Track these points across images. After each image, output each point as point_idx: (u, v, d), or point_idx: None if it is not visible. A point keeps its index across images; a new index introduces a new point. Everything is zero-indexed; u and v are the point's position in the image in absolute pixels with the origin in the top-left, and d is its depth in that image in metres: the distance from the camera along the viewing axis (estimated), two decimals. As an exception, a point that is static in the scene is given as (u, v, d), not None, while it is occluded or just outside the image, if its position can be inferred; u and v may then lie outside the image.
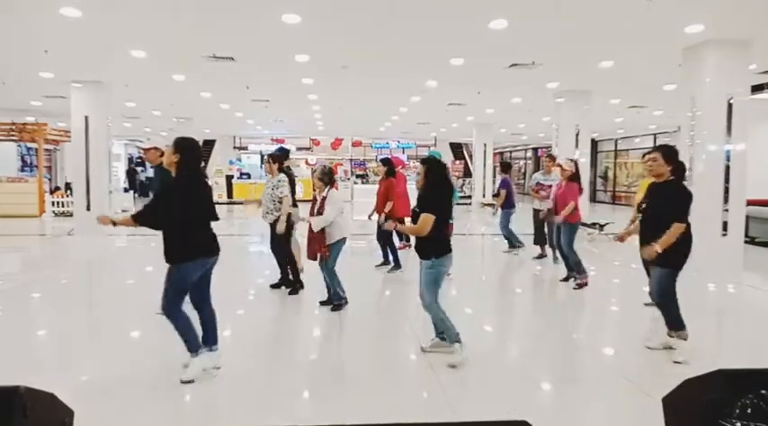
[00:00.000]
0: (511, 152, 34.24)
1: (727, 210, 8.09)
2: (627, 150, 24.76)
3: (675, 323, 4.32)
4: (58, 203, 15.99)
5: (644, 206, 4.40)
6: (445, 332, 4.28)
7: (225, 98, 15.31)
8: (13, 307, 6.03)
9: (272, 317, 5.81)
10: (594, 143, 25.31)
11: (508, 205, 9.53)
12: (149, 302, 5.46)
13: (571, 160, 7.37)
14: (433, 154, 7.20)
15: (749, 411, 1.10)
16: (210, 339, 4.01)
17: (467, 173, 27.18)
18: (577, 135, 12.92)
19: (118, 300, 6.32)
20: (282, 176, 6.28)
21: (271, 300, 6.28)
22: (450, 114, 17.95)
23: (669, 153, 4.23)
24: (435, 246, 4.16)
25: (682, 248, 4.18)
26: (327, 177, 5.70)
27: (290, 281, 6.52)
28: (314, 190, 5.84)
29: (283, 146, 9.56)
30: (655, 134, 22.24)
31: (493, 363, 4.40)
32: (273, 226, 6.29)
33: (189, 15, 7.26)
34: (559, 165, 7.27)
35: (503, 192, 9.52)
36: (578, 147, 12.91)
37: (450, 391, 3.72)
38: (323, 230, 5.51)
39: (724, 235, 8.12)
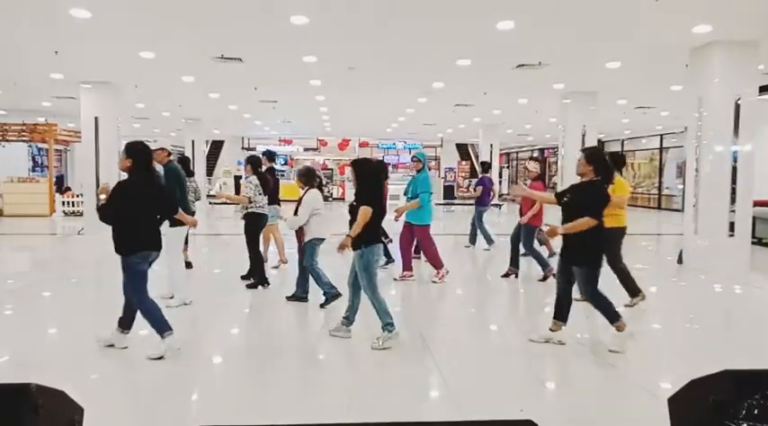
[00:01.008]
0: (517, 153, 34.18)
1: (733, 211, 8.04)
2: (633, 151, 24.64)
3: (611, 316, 4.50)
4: (68, 203, 16.12)
5: (565, 199, 4.62)
6: (380, 319, 4.60)
7: (233, 99, 15.38)
8: (23, 306, 6.09)
9: (269, 315, 5.83)
10: (601, 144, 25.20)
11: (482, 203, 10.14)
12: (158, 301, 5.50)
13: (536, 161, 7.67)
14: (419, 155, 7.47)
15: (756, 412, 1.10)
16: (126, 323, 4.42)
17: (473, 174, 27.15)
18: (584, 135, 12.88)
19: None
20: (252, 177, 6.82)
21: (267, 298, 6.30)
22: (457, 115, 17.93)
23: (590, 154, 4.53)
24: (365, 236, 4.55)
25: (593, 246, 4.40)
26: (305, 178, 5.98)
27: (263, 278, 6.84)
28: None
29: (270, 148, 10.13)
30: (661, 134, 22.12)
31: (497, 361, 4.41)
32: (245, 221, 6.83)
33: (197, 16, 7.30)
34: (525, 167, 7.51)
35: (479, 189, 10.12)
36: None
37: (454, 389, 3.73)
38: (301, 229, 5.82)
39: (731, 235, 8.07)
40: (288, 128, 24.40)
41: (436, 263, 7.21)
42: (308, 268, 5.84)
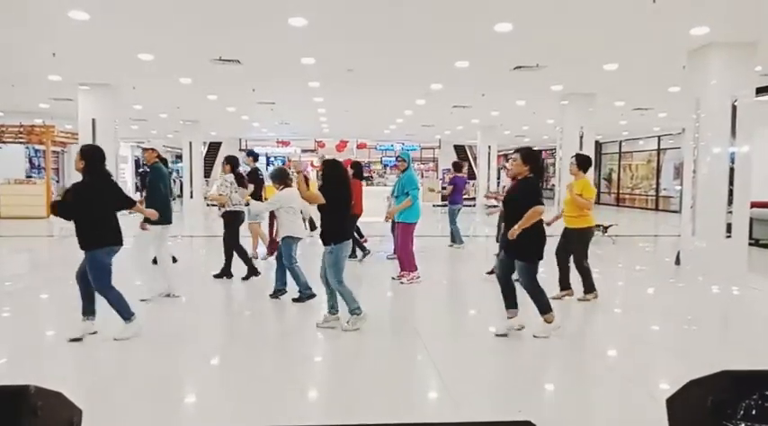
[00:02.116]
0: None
1: (731, 212, 8.06)
2: (631, 152, 24.68)
3: (543, 307, 4.87)
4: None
5: (505, 198, 4.99)
6: (348, 305, 5.01)
7: (231, 101, 15.36)
8: (21, 308, 6.07)
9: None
10: (599, 145, 25.25)
11: (454, 201, 10.44)
12: (155, 302, 5.51)
13: (515, 160, 7.69)
14: (403, 155, 7.56)
15: (753, 412, 1.10)
16: (89, 311, 4.70)
17: (471, 176, 27.16)
18: (581, 137, 12.91)
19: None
20: (228, 176, 7.17)
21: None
22: (455, 116, 17.94)
23: (526, 155, 4.83)
24: (335, 234, 4.95)
25: (535, 241, 4.69)
26: (278, 179, 6.33)
27: (229, 271, 7.24)
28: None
29: (252, 149, 10.54)
30: (659, 136, 22.17)
31: (496, 362, 4.41)
32: (223, 218, 7.19)
33: (196, 18, 7.30)
34: (504, 166, 7.59)
35: (450, 188, 10.53)
36: (582, 149, 12.91)
37: (453, 390, 3.73)
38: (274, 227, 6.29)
39: (728, 236, 8.09)
40: (286, 130, 24.38)
41: (409, 265, 7.17)
42: (287, 267, 6.03)
